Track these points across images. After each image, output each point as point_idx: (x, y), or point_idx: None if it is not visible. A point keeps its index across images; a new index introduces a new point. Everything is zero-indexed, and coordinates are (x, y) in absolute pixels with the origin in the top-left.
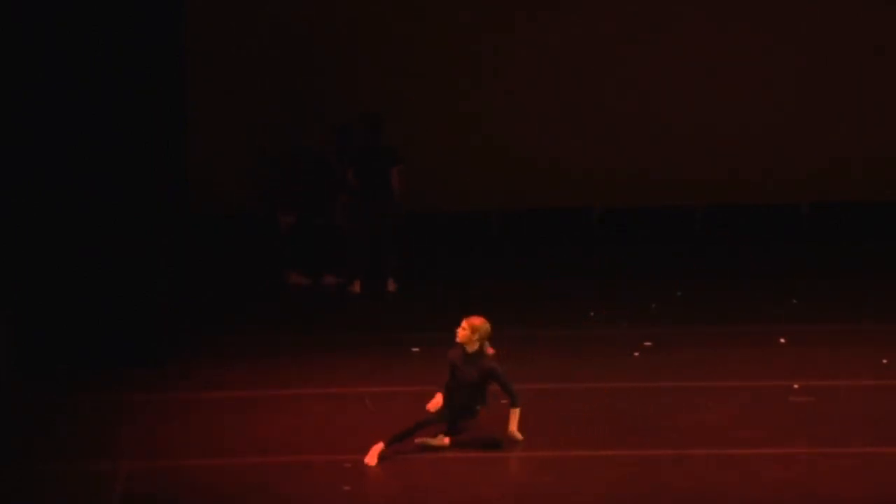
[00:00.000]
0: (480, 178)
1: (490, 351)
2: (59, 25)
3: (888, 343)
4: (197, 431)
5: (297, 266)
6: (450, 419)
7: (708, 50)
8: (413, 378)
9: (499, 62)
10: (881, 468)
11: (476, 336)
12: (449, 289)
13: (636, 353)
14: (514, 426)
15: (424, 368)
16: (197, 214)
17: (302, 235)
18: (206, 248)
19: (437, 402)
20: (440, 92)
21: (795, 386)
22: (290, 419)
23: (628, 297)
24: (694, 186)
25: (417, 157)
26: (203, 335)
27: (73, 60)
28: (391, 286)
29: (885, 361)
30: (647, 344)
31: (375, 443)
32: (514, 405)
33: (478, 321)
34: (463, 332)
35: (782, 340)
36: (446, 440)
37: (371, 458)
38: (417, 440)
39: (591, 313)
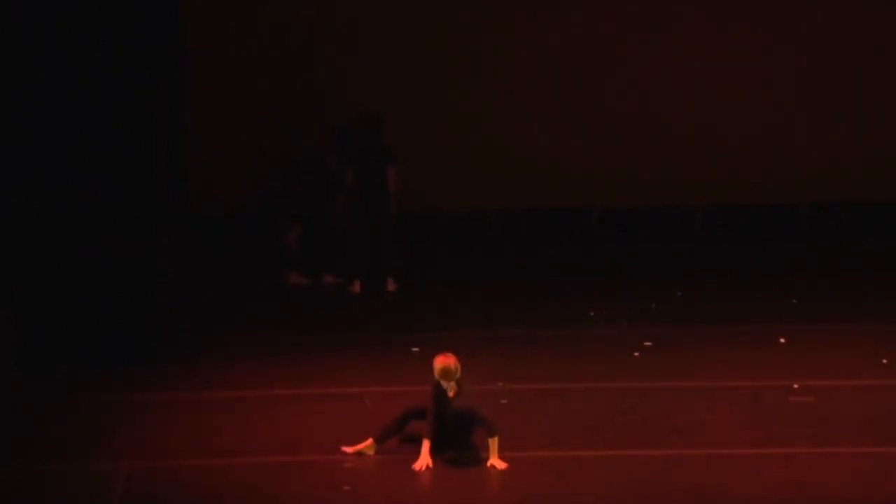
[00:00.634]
0: (480, 178)
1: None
2: (59, 25)
3: (888, 343)
4: (197, 431)
5: (297, 266)
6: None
7: (708, 50)
8: (413, 378)
9: (499, 62)
10: (881, 468)
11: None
12: (449, 289)
13: (636, 353)
14: (495, 455)
15: (424, 368)
16: (197, 214)
17: (306, 239)
18: (206, 248)
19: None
20: (440, 92)
21: (795, 386)
22: (290, 419)
23: (628, 297)
24: (694, 186)
25: (417, 157)
26: (203, 335)
27: (73, 60)
28: (391, 286)
29: (885, 361)
30: (647, 344)
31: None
32: (492, 434)
33: (451, 362)
34: (453, 388)
35: (782, 340)
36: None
37: (352, 449)
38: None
39: (591, 313)
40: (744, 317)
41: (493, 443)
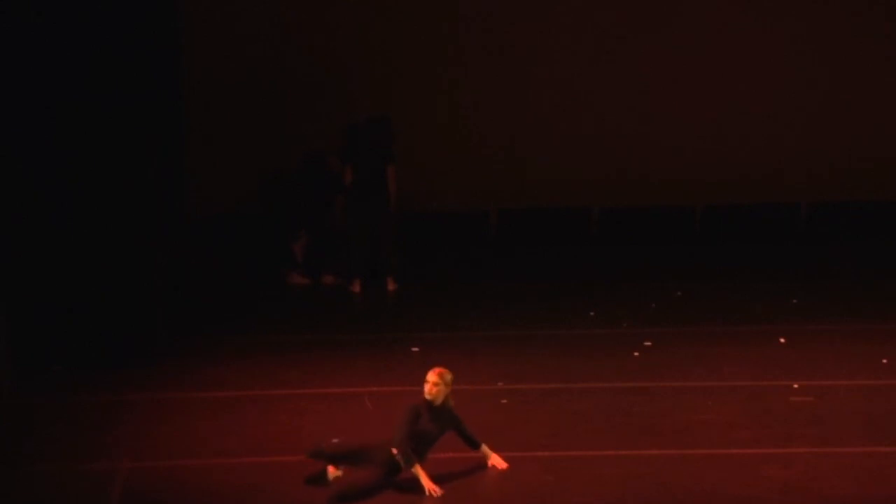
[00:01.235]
0: (480, 177)
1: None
2: (58, 25)
3: (888, 343)
4: (196, 431)
5: (297, 266)
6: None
7: (708, 50)
8: (413, 378)
9: (499, 62)
10: (881, 468)
11: (447, 388)
12: (449, 289)
13: (636, 353)
14: (494, 455)
15: (424, 368)
16: (197, 214)
17: (309, 242)
18: (205, 247)
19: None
20: (440, 92)
21: (795, 386)
22: (290, 419)
23: (628, 297)
24: (694, 186)
25: (417, 157)
26: (203, 335)
27: (72, 61)
28: (391, 286)
29: (885, 361)
30: (647, 344)
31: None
32: (479, 445)
33: (446, 371)
34: (436, 388)
35: (782, 340)
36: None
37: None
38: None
39: (591, 313)
40: (744, 317)
41: (486, 447)
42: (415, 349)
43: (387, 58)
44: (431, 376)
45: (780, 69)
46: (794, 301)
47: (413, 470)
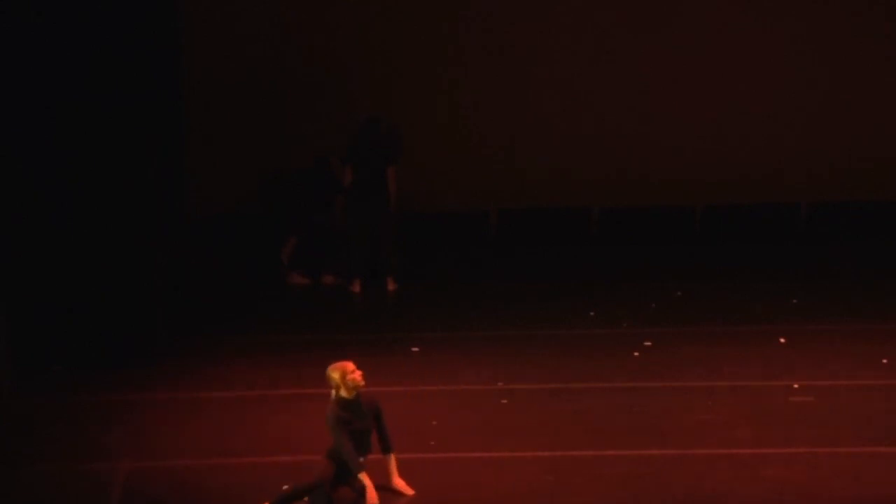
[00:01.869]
0: (480, 178)
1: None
2: (59, 26)
3: (888, 343)
4: (196, 431)
5: (297, 266)
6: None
7: (708, 50)
8: (413, 378)
9: (498, 62)
10: (881, 468)
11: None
12: (449, 289)
13: (636, 353)
14: (397, 474)
15: (424, 368)
16: (197, 214)
17: (307, 242)
18: (205, 248)
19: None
20: (439, 92)
21: (795, 386)
22: (290, 419)
23: (628, 297)
24: (694, 186)
25: (417, 157)
26: (203, 335)
27: (72, 61)
28: (391, 286)
29: (885, 361)
30: (647, 344)
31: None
32: (391, 449)
33: (338, 366)
34: (359, 376)
35: (782, 340)
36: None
37: None
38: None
39: (591, 313)
40: (744, 317)
41: (394, 459)
42: (415, 349)
43: (387, 58)
44: (348, 365)
45: (780, 69)
46: (794, 301)
47: (360, 477)
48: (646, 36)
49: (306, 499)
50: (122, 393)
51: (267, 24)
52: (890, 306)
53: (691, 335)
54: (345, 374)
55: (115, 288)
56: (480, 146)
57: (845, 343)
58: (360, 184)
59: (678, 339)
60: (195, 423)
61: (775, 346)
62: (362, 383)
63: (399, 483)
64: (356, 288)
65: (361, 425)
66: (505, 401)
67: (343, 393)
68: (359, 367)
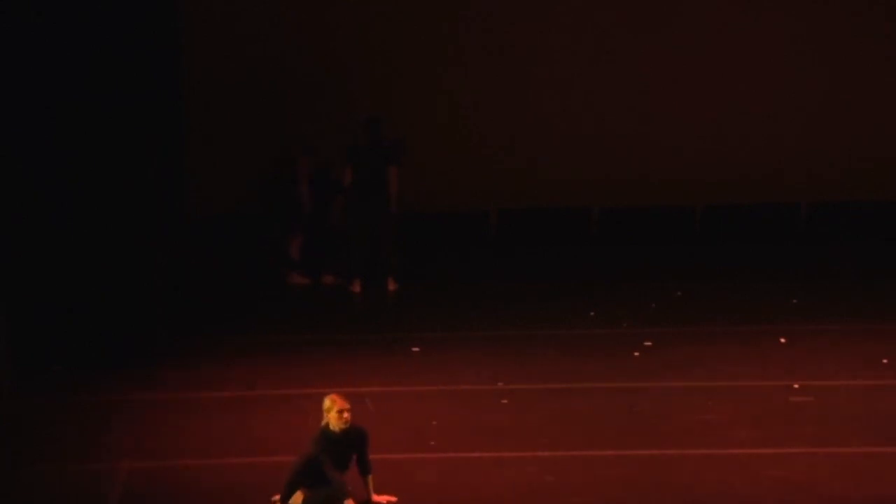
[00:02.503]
0: (480, 178)
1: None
2: (59, 26)
3: (888, 343)
4: (197, 431)
5: (297, 266)
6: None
7: (708, 50)
8: (413, 378)
9: (498, 62)
10: (881, 468)
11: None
12: (449, 289)
13: (636, 353)
14: (374, 493)
15: (424, 368)
16: (197, 214)
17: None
18: (205, 247)
19: None
20: (439, 92)
21: (795, 386)
22: (289, 419)
23: (628, 297)
24: (694, 186)
25: (417, 157)
26: (203, 335)
27: (71, 61)
28: (391, 286)
29: (885, 361)
30: (647, 344)
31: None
32: (370, 472)
33: (335, 398)
34: (349, 413)
35: (782, 340)
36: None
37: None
38: None
39: (591, 313)
40: (744, 317)
41: (371, 481)
42: (415, 349)
43: (387, 58)
44: (343, 403)
45: (780, 69)
46: (794, 301)
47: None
48: (646, 36)
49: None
50: (122, 393)
51: (267, 24)
52: (890, 306)
53: (691, 335)
54: (334, 409)
55: (115, 288)
56: (480, 146)
57: (845, 343)
58: (360, 184)
59: (678, 339)
60: (195, 423)
61: (775, 346)
62: (346, 426)
63: (380, 499)
64: (356, 288)
65: (345, 456)
66: (505, 401)
67: (331, 425)
68: (359, 368)
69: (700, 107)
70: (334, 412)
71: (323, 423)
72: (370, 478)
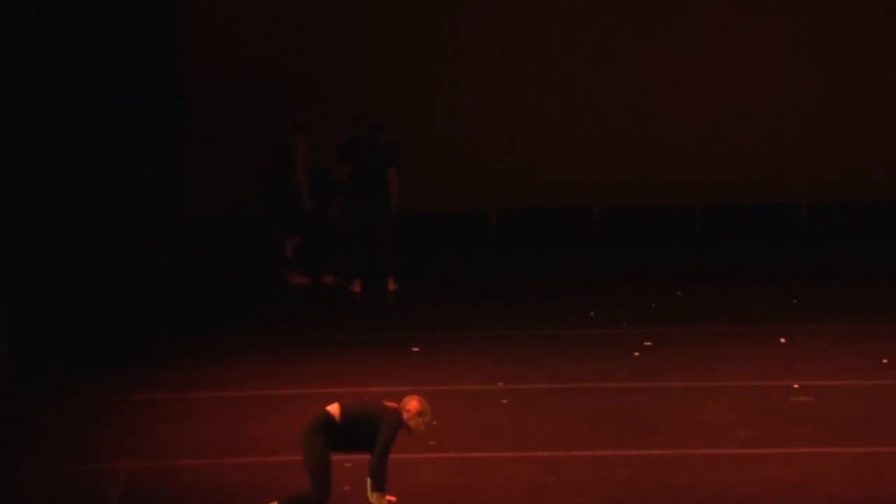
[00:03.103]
0: (480, 178)
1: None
2: (59, 26)
3: (888, 343)
4: (196, 431)
5: (297, 266)
6: None
7: (708, 50)
8: (413, 378)
9: (498, 62)
10: (881, 468)
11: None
12: (449, 288)
13: (636, 353)
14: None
15: (424, 368)
16: (197, 214)
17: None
18: (205, 247)
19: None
20: (439, 92)
21: (795, 386)
22: (289, 419)
23: (628, 297)
24: (694, 186)
25: (417, 157)
26: (203, 335)
27: (72, 61)
28: (391, 286)
29: (885, 361)
30: (648, 344)
31: None
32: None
33: (427, 409)
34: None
35: (782, 340)
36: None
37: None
38: None
39: (591, 313)
40: (744, 317)
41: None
42: (415, 349)
43: (387, 58)
44: (426, 406)
45: (780, 69)
46: (794, 301)
47: (376, 495)
48: (646, 36)
49: None
50: (122, 393)
51: (267, 24)
52: (890, 306)
53: (691, 335)
54: (427, 417)
55: (115, 288)
56: (480, 146)
57: (845, 343)
58: (360, 184)
59: (678, 339)
60: (195, 423)
61: (775, 346)
62: (421, 432)
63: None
64: (356, 288)
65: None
66: (505, 401)
67: (411, 425)
68: (359, 368)
69: (700, 107)
70: (427, 419)
71: (405, 416)
72: (370, 481)
